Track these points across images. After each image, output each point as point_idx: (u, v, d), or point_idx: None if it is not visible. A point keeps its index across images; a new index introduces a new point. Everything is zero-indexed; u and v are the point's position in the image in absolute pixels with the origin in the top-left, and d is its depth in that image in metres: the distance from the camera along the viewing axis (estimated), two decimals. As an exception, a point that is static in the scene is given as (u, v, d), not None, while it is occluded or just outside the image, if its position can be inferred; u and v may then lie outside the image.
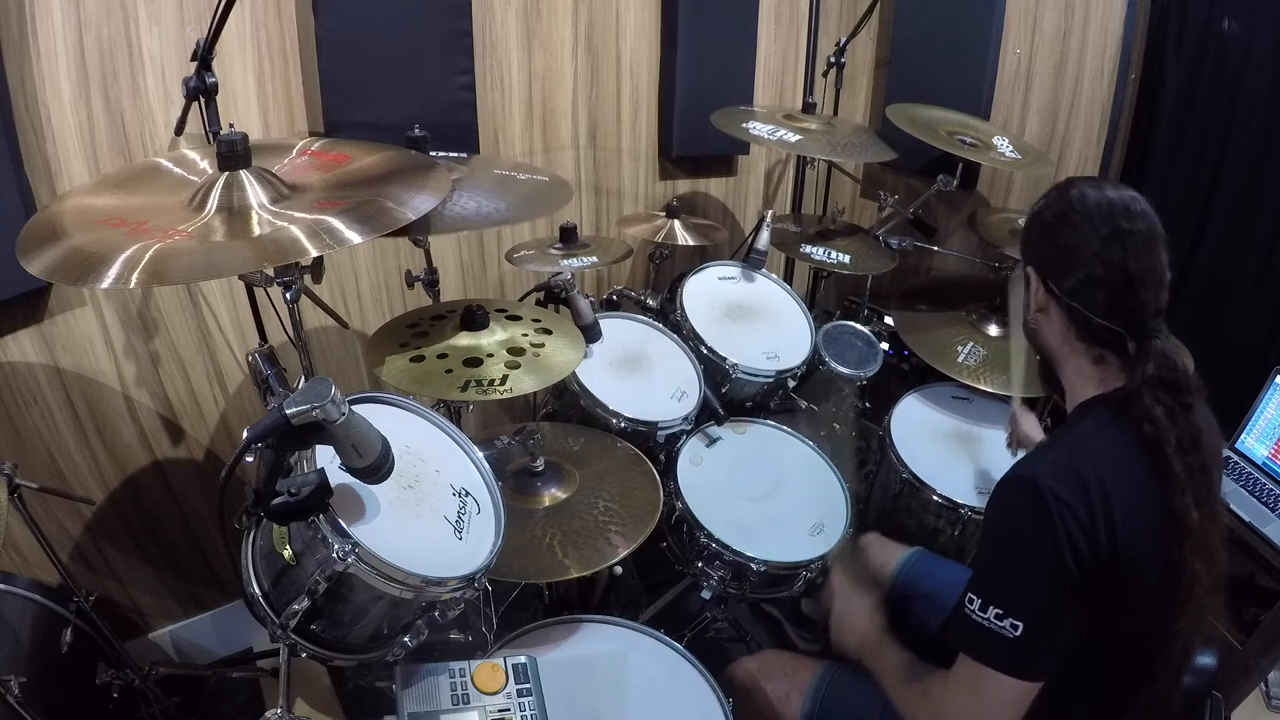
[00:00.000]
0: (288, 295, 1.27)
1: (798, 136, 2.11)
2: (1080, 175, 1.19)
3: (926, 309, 2.30)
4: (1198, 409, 1.04)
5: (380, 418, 1.06)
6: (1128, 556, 0.99)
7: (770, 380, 1.99)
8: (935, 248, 2.53)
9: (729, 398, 1.97)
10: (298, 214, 1.16)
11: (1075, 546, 0.98)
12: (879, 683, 1.24)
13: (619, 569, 1.52)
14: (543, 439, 1.67)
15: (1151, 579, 1.01)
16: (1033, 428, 1.74)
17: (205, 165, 1.31)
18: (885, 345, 2.24)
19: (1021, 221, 2.36)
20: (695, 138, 2.49)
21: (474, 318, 1.50)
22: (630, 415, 1.79)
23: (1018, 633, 0.99)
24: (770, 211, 2.19)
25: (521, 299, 2.05)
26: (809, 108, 2.33)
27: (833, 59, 2.56)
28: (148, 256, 1.02)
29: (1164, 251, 1.06)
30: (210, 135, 1.47)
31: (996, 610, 1.01)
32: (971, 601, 1.04)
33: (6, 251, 1.11)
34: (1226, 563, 1.06)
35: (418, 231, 1.49)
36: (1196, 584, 1.00)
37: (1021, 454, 1.72)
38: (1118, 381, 1.09)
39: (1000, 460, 1.86)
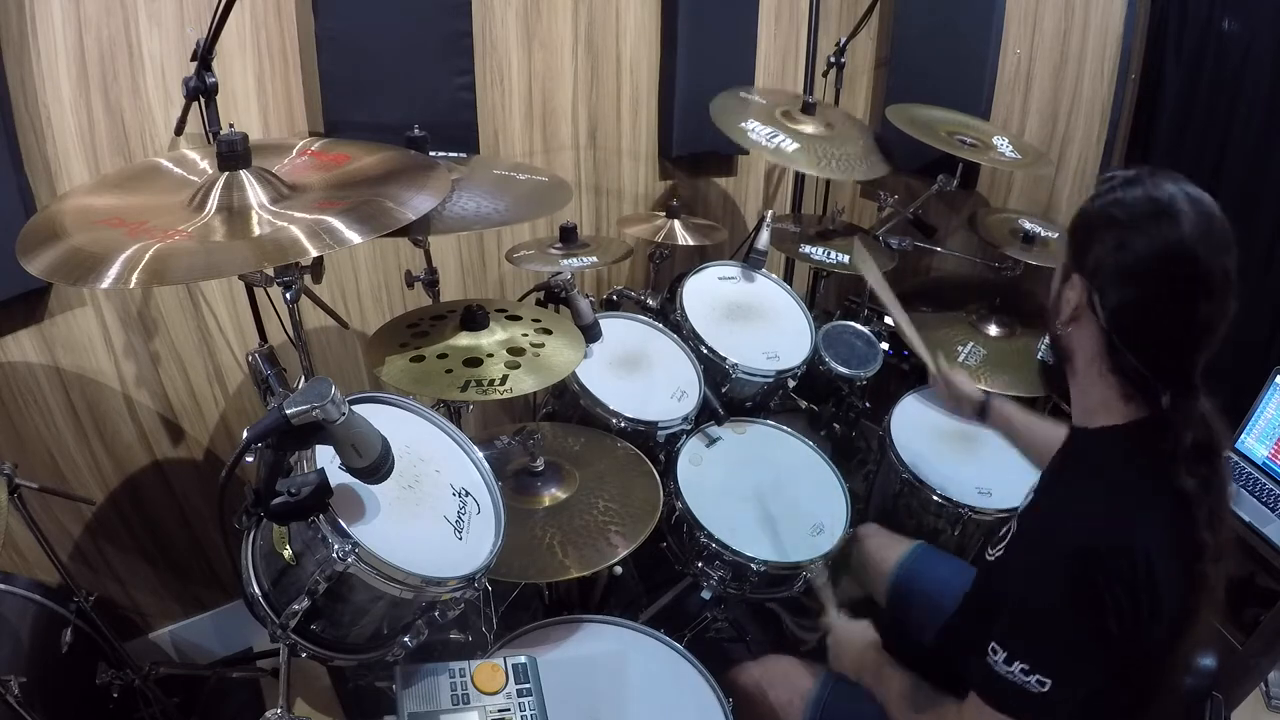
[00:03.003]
0: (288, 295, 1.27)
1: (795, 145, 2.11)
2: (1163, 170, 0.97)
3: (926, 309, 2.30)
4: (1223, 465, 0.98)
5: (380, 418, 1.06)
6: (1160, 612, 0.96)
7: (770, 380, 1.98)
8: (935, 248, 2.53)
9: (729, 398, 1.97)
10: (298, 214, 1.16)
11: (1120, 612, 0.93)
12: (883, 707, 1.23)
13: (619, 569, 1.52)
14: (543, 439, 1.67)
15: (1167, 623, 0.98)
16: (966, 383, 1.61)
17: (205, 165, 1.31)
18: (885, 345, 2.24)
19: (1025, 222, 2.40)
20: (695, 138, 2.49)
21: (474, 318, 1.50)
22: (630, 415, 1.79)
23: (1045, 689, 0.95)
24: (770, 211, 2.19)
25: (521, 299, 2.05)
26: (809, 108, 2.33)
27: (833, 59, 2.55)
28: (148, 256, 1.02)
29: (1233, 300, 0.94)
30: (210, 135, 1.47)
31: (1023, 666, 0.96)
32: (996, 653, 0.99)
33: (6, 251, 1.11)
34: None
35: (418, 231, 1.49)
36: (1199, 624, 0.99)
37: (947, 401, 1.61)
38: (1142, 413, 1.00)
39: (1000, 460, 1.84)
